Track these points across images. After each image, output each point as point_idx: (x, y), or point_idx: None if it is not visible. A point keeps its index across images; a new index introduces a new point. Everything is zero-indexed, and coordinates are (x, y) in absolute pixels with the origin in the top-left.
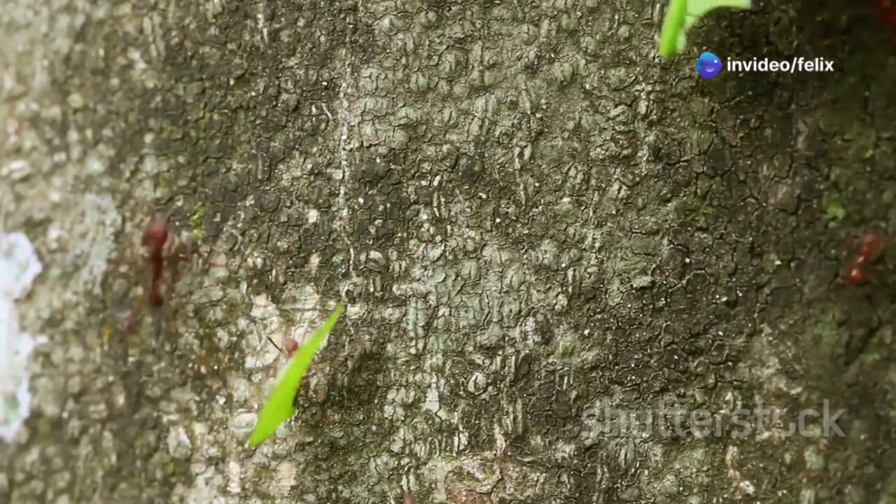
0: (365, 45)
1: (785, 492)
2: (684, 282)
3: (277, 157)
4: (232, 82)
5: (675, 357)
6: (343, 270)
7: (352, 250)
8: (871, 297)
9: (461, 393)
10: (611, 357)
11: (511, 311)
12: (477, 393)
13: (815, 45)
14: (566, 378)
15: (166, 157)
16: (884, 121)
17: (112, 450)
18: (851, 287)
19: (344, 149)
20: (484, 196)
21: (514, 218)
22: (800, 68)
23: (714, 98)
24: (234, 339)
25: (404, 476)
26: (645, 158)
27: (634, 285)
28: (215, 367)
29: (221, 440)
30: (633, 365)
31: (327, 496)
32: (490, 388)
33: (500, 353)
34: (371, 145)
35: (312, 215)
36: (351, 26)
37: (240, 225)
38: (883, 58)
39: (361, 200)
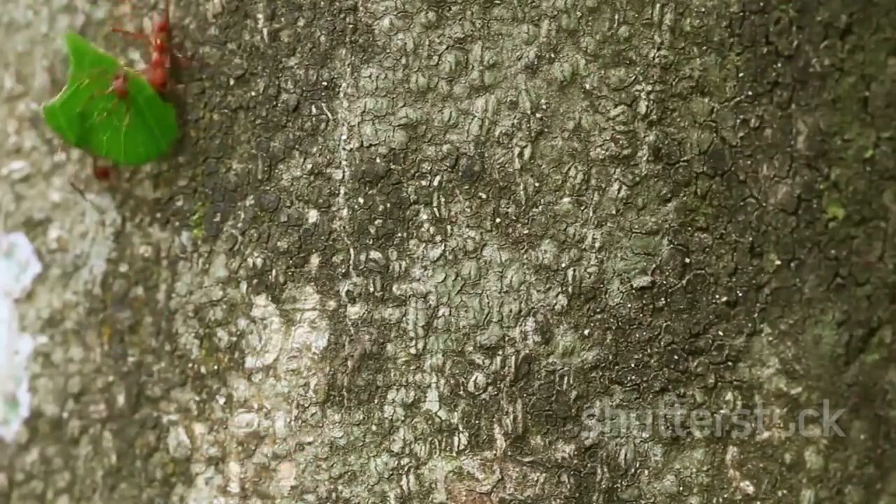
0: (365, 45)
1: (785, 492)
2: (684, 282)
3: (277, 157)
4: (232, 82)
5: (675, 357)
6: (343, 270)
7: (352, 250)
8: (871, 297)
9: (461, 393)
10: (611, 357)
11: (511, 311)
12: (477, 393)
13: (815, 45)
14: (566, 378)
15: (166, 157)
16: (884, 121)
17: (112, 450)
18: (852, 287)
19: (344, 149)
20: (484, 196)
21: (514, 218)
22: (800, 68)
23: (714, 98)
24: (234, 339)
25: (404, 476)
26: (645, 158)
27: (634, 285)
28: (215, 367)
29: (221, 440)
30: (633, 365)
31: (327, 496)
32: (490, 388)
33: (500, 353)
34: (371, 145)
35: (312, 215)
36: (351, 26)
37: (240, 225)
38: (883, 58)
39: (361, 200)
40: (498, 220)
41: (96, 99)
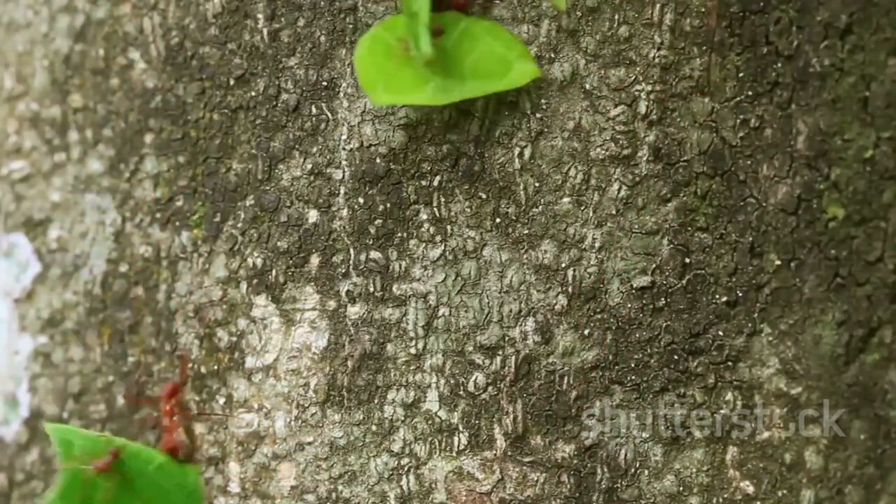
0: None
1: (785, 492)
2: (684, 282)
3: (277, 157)
4: (232, 82)
5: (675, 357)
6: (343, 270)
7: (352, 250)
8: (871, 297)
9: (461, 393)
10: (611, 357)
11: (511, 311)
12: (477, 393)
13: (815, 45)
14: (566, 378)
15: (166, 157)
16: (884, 121)
17: None
18: (852, 287)
19: (344, 149)
20: (484, 196)
21: (514, 218)
22: (800, 68)
23: (714, 98)
24: (234, 339)
25: (404, 476)
26: (645, 158)
27: (634, 285)
28: (215, 367)
29: (221, 440)
30: (633, 365)
31: (327, 496)
32: (490, 388)
33: (500, 353)
34: (371, 145)
35: (312, 215)
36: (351, 26)
37: (240, 225)
38: (883, 58)
39: (361, 200)
40: (498, 220)
41: (93, 480)
